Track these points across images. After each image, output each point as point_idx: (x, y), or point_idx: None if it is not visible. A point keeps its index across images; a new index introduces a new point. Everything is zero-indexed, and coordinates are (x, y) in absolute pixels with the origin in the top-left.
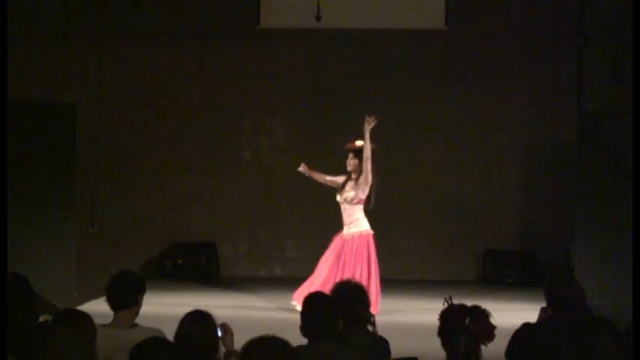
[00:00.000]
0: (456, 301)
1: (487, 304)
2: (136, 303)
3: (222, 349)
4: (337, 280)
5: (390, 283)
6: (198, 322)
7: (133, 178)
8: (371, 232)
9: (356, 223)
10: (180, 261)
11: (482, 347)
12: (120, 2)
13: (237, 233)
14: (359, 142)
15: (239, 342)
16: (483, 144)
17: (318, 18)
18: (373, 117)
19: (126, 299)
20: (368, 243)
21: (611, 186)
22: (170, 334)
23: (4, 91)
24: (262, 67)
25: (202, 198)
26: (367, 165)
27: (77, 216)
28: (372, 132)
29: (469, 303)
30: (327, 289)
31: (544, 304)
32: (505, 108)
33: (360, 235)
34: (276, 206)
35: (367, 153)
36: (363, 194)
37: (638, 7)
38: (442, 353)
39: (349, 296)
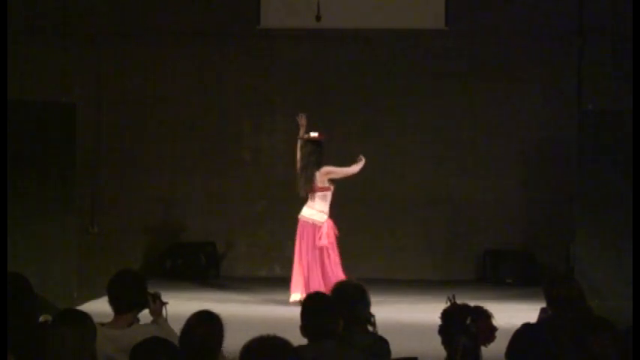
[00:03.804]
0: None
1: (487, 304)
2: (139, 305)
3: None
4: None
5: (391, 283)
6: (204, 322)
7: (133, 179)
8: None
9: None
10: (180, 261)
11: (482, 347)
12: (121, 2)
13: (237, 233)
14: (313, 134)
15: (239, 342)
16: (483, 144)
17: (318, 18)
18: (304, 116)
19: (129, 304)
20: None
21: (611, 186)
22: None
23: (4, 91)
24: (262, 67)
25: (202, 198)
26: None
27: (77, 216)
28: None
29: (470, 303)
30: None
31: (544, 304)
32: (505, 108)
33: None
34: (276, 206)
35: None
36: None
37: (638, 7)
38: (442, 353)
39: (349, 296)
